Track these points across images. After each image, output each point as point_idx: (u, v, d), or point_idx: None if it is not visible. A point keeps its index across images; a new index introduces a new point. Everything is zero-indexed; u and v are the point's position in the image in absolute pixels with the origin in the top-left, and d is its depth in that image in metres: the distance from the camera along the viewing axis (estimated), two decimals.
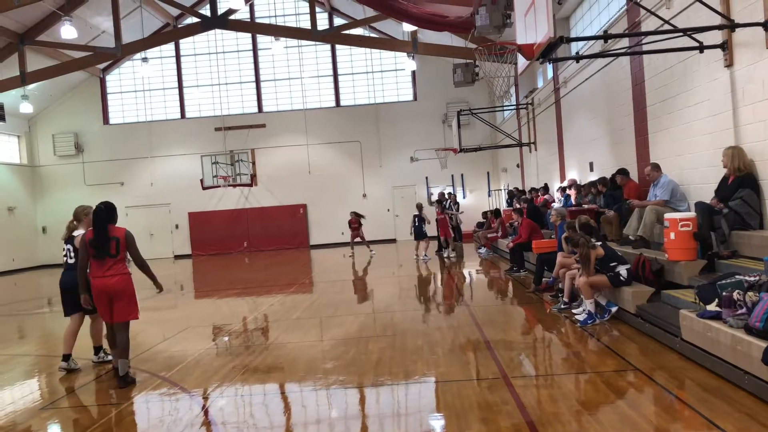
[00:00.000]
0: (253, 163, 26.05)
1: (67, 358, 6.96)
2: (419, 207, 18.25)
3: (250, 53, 27.14)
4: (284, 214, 26.72)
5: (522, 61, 8.88)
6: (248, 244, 26.81)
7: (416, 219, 17.89)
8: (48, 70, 21.78)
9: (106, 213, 6.20)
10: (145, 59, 24.63)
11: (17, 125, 25.84)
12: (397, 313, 9.67)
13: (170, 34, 24.36)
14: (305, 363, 6.84)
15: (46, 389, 6.68)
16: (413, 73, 26.61)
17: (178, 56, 26.97)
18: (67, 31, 19.82)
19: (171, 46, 26.50)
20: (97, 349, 7.36)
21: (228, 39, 26.76)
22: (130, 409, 5.67)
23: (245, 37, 26.82)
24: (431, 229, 18.93)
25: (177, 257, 26.36)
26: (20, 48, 21.25)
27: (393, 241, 26.33)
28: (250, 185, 25.63)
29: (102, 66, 26.23)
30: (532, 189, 17.82)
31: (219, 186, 25.20)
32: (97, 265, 6.17)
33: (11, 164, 26.01)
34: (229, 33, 26.50)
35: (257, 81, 27.18)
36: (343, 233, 26.41)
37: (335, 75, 27.24)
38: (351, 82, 27.32)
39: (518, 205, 15.59)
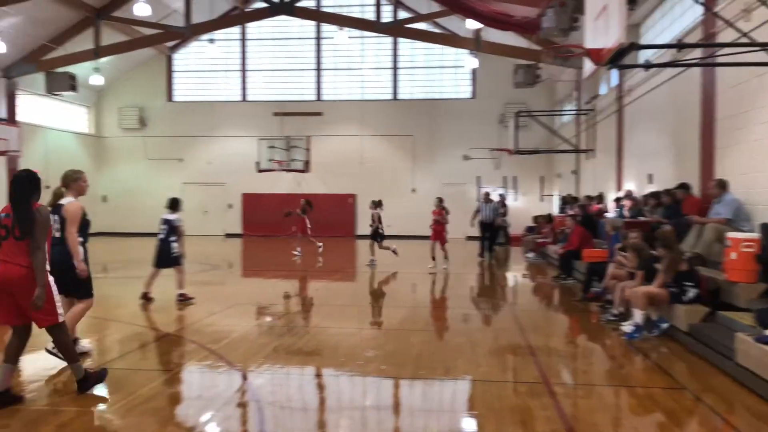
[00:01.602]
0: (308, 150, 26.37)
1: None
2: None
3: (313, 41, 27.42)
4: (334, 203, 26.93)
5: (588, 66, 8.72)
6: (296, 229, 27.17)
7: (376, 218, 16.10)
8: (120, 45, 22.49)
9: (27, 182, 4.85)
10: (212, 40, 25.17)
11: (87, 96, 26.80)
12: (440, 310, 9.68)
13: (238, 17, 24.81)
14: (346, 349, 6.93)
15: (101, 350, 6.96)
16: (473, 71, 26.41)
17: (243, 39, 27.45)
18: (141, 9, 20.46)
19: (237, 29, 26.99)
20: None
21: (292, 26, 27.08)
22: (178, 377, 5.88)
23: (309, 25, 27.09)
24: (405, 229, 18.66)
25: (228, 236, 26.94)
26: (96, 22, 22.02)
27: None
28: (304, 171, 25.93)
29: (170, 44, 26.93)
30: (587, 197, 17.48)
31: (273, 170, 25.60)
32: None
33: (79, 133, 27.04)
34: (294, 20, 26.75)
35: (318, 69, 27.44)
36: (389, 225, 26.51)
37: (394, 68, 27.26)
38: (409, 76, 27.30)
39: (573, 212, 15.33)
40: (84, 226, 6.07)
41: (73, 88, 23.09)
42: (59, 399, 5.14)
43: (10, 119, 22.38)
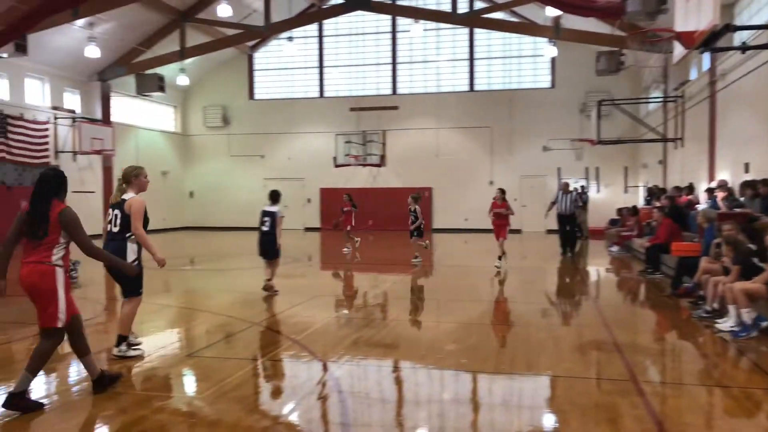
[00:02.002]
0: (384, 144, 26.54)
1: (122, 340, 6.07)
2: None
3: (389, 35, 27.50)
4: (408, 196, 26.97)
5: (678, 50, 8.31)
6: (373, 223, 27.43)
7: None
8: (204, 45, 23.38)
9: (55, 181, 4.73)
10: (290, 38, 25.72)
11: (174, 96, 28.03)
12: (520, 305, 9.50)
13: (315, 14, 25.21)
14: (426, 343, 6.94)
15: (190, 339, 7.29)
16: (552, 59, 25.71)
17: (320, 36, 27.90)
18: (223, 10, 21.19)
19: (314, 26, 27.45)
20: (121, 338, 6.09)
21: (368, 21, 27.26)
22: (263, 366, 6.06)
23: (385, 19, 27.19)
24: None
25: (307, 230, 27.53)
26: (182, 24, 22.99)
27: (518, 231, 25.80)
28: (380, 165, 26.12)
29: (251, 44, 27.73)
30: (675, 188, 16.66)
31: (350, 164, 25.93)
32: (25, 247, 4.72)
33: (167, 132, 28.37)
34: (370, 15, 26.96)
35: (393, 63, 27.51)
36: (466, 219, 26.33)
37: (471, 59, 26.93)
38: (486, 67, 26.90)
39: (660, 204, 14.66)
40: (144, 222, 6.02)
41: (161, 88, 24.21)
42: (150, 385, 5.41)
43: (105, 120, 23.73)
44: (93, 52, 20.87)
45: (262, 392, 5.35)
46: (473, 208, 26.13)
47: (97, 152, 22.53)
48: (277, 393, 5.29)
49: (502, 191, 13.83)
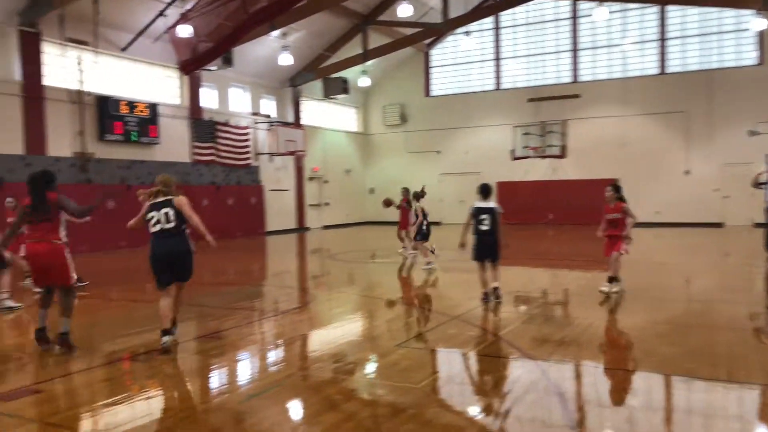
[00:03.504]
0: (564, 135, 25.58)
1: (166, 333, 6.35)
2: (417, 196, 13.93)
3: (569, 21, 26.35)
4: (592, 189, 25.64)
5: None
6: (553, 217, 26.55)
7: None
8: (384, 46, 24.19)
9: (43, 179, 6.29)
10: (467, 32, 25.72)
11: (356, 98, 29.36)
12: (740, 306, 8.59)
13: (494, 6, 24.93)
14: (638, 344, 6.53)
15: (392, 331, 7.56)
16: (760, 33, 22.91)
17: (497, 28, 27.54)
18: (404, 10, 21.77)
19: (491, 18, 27.16)
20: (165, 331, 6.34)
21: (547, 8, 26.38)
22: (473, 359, 6.10)
23: (565, 5, 26.13)
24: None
25: None
26: (363, 28, 24.00)
27: (719, 225, 23.44)
28: (560, 157, 25.22)
29: (427, 41, 28.16)
30: None
31: (528, 157, 25.36)
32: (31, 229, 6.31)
33: (350, 132, 29.84)
34: (549, 2, 26.10)
35: (574, 50, 26.33)
36: (657, 212, 24.48)
37: (662, 39, 24.91)
38: (680, 47, 24.71)
39: None
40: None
41: (345, 91, 25.53)
42: (362, 375, 5.68)
43: (296, 123, 25.53)
44: (286, 59, 22.54)
45: (476, 387, 5.38)
46: (665, 200, 24.25)
47: (291, 153, 24.32)
48: (491, 390, 5.28)
49: (616, 188, 9.49)
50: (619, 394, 5.13)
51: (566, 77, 26.50)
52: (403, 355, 6.16)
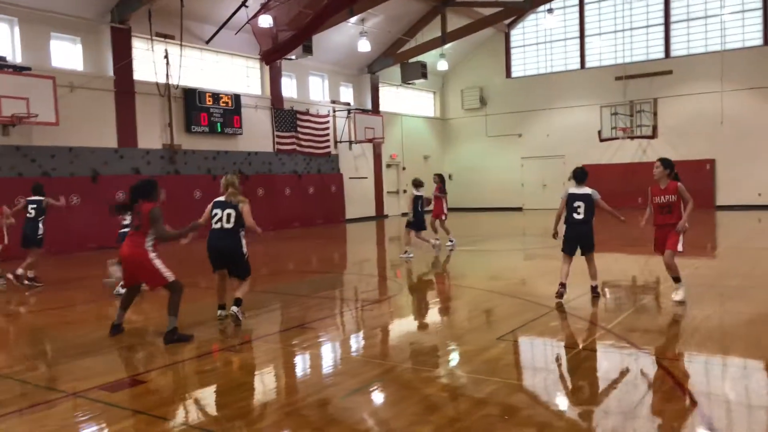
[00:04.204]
0: (655, 114, 24.21)
1: (222, 307, 7.23)
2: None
3: None
4: (686, 170, 23.87)
5: None
6: (643, 201, 25.22)
7: (419, 202, 12.99)
8: (464, 28, 23.57)
9: (138, 191, 6.43)
10: (550, 10, 24.69)
11: (433, 82, 28.88)
12: None
13: None
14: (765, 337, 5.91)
15: (492, 322, 7.21)
16: None
17: (581, 4, 26.29)
18: None
19: None
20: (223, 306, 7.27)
21: None
22: (587, 355, 5.68)
23: None
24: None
25: None
26: (442, 10, 23.46)
27: None
28: (651, 137, 23.89)
29: (507, 21, 27.28)
30: None
31: (617, 138, 24.17)
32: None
33: (427, 117, 29.42)
34: None
35: (666, 23, 24.78)
36: (760, 194, 22.87)
37: (766, 7, 23.02)
38: None
39: None
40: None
41: (424, 75, 25.12)
42: (471, 368, 5.37)
43: (374, 110, 25.37)
44: (364, 46, 22.36)
45: (592, 386, 4.97)
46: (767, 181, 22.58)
47: (370, 140, 24.20)
48: (610, 388, 4.85)
49: (667, 163, 7.37)
50: (759, 394, 4.59)
51: (657, 53, 25.02)
52: (505, 350, 5.83)
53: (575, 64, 26.80)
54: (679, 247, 7.22)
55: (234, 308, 6.88)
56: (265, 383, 5.20)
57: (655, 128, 24.15)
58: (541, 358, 5.75)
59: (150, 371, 5.45)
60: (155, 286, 6.50)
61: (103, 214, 15.95)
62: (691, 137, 24.05)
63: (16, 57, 14.88)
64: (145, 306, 8.21)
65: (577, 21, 26.51)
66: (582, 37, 26.52)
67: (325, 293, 9.48)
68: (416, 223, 12.89)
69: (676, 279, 7.41)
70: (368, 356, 5.93)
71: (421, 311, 8.20)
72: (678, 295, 7.35)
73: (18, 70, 14.26)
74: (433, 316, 7.90)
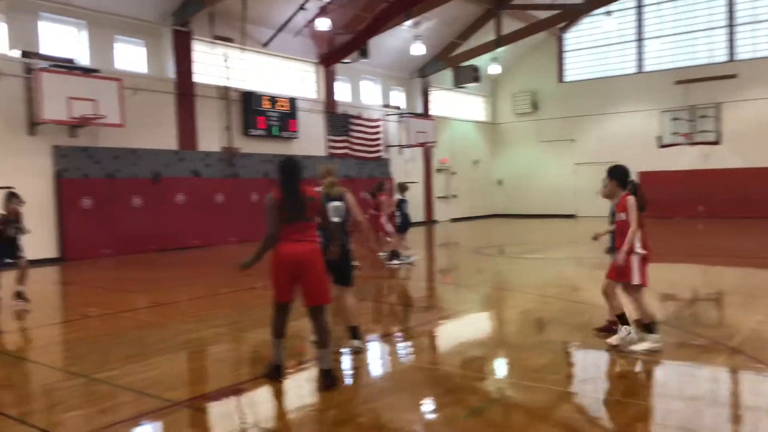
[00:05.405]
0: (718, 119, 23.35)
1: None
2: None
3: None
4: (753, 178, 23.32)
5: None
6: (704, 210, 24.38)
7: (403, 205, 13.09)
8: (518, 32, 23.13)
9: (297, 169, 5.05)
10: (608, 13, 24.09)
11: (484, 86, 28.44)
12: None
13: None
14: None
15: (577, 330, 6.82)
16: None
17: (640, 7, 25.59)
18: None
19: None
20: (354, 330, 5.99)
21: None
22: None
23: None
24: None
25: None
26: (497, 13, 23.08)
27: None
28: (714, 143, 23.05)
29: (560, 25, 26.73)
30: None
31: (678, 144, 23.39)
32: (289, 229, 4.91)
33: (477, 122, 29.00)
34: None
35: (730, 25, 23.92)
36: None
37: None
38: None
39: None
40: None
41: (476, 79, 24.76)
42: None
43: (425, 114, 25.09)
44: (418, 49, 22.10)
45: (700, 405, 4.56)
46: None
47: (421, 145, 23.92)
48: (724, 408, 4.45)
49: (614, 172, 5.94)
50: None
51: (720, 56, 24.18)
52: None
53: (632, 68, 26.09)
54: (634, 278, 5.68)
55: (356, 341, 5.88)
56: (383, 398, 4.92)
57: (718, 134, 23.31)
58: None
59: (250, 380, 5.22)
60: (320, 302, 4.99)
61: (165, 214, 16.07)
62: (758, 143, 23.16)
63: (84, 59, 15.03)
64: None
65: (635, 23, 25.82)
66: (640, 39, 25.80)
67: (405, 302, 9.19)
68: (401, 227, 12.84)
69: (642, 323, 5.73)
70: (478, 371, 5.61)
71: (512, 321, 7.83)
72: (617, 340, 5.75)
73: (86, 72, 14.39)
74: (526, 327, 7.52)
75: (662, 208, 24.86)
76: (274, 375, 5.04)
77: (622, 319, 5.77)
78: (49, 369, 5.83)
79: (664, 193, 24.84)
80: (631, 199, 5.68)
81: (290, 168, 4.99)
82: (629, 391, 4.86)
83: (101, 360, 5.92)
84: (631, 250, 5.61)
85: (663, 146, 23.66)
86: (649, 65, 25.70)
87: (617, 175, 5.86)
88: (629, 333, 5.72)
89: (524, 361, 5.64)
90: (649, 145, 24.13)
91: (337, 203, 5.92)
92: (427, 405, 4.65)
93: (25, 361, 6.26)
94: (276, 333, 5.02)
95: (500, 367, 5.76)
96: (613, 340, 5.78)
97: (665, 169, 24.90)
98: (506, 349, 6.33)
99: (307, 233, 4.94)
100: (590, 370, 5.48)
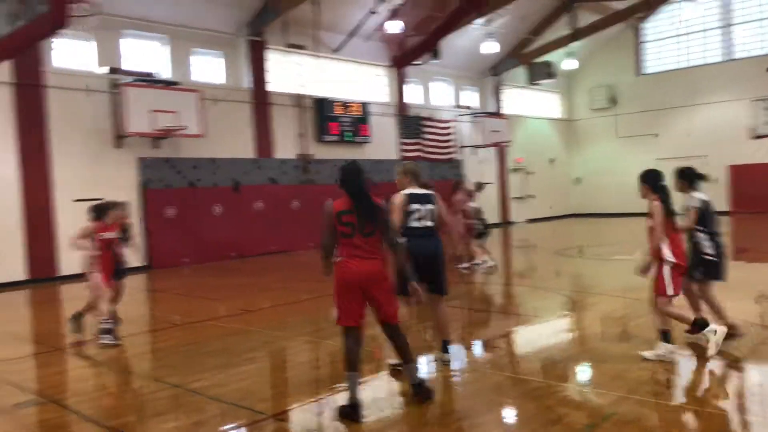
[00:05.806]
0: None
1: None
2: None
3: None
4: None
5: None
6: None
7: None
8: (594, 24, 22.32)
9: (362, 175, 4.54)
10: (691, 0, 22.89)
11: (558, 82, 27.52)
12: None
13: None
14: None
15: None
16: None
17: None
18: None
19: None
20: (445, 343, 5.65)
21: None
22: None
23: None
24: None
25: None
26: (570, 6, 22.32)
27: None
28: None
29: (639, 15, 25.59)
30: None
31: None
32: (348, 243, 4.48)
33: (552, 119, 28.16)
34: None
35: None
36: None
37: None
38: None
39: None
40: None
41: (550, 75, 24.06)
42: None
43: (498, 113, 24.58)
44: (490, 47, 21.63)
45: None
46: None
47: (495, 144, 23.44)
48: None
49: (644, 176, 5.75)
50: None
51: None
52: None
53: (716, 57, 24.67)
54: (668, 290, 5.38)
55: (447, 356, 5.59)
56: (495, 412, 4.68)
57: None
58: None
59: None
60: (392, 320, 4.60)
61: (244, 222, 16.37)
62: None
63: (164, 72, 15.51)
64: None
65: (720, 9, 24.39)
66: (727, 26, 24.36)
67: (500, 307, 8.89)
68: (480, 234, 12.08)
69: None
70: (586, 384, 5.28)
71: (617, 328, 7.40)
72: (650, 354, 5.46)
73: (167, 84, 14.84)
74: (633, 337, 7.08)
75: (757, 203, 23.37)
76: (351, 415, 4.34)
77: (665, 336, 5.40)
78: (143, 379, 5.91)
79: (759, 186, 23.37)
80: (656, 205, 5.42)
81: (356, 173, 4.51)
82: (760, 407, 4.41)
83: (192, 369, 5.95)
84: (661, 260, 5.33)
85: (758, 137, 22.26)
86: (739, 52, 24.20)
87: (647, 179, 5.63)
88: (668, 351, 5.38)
89: (626, 372, 5.25)
90: (739, 136, 22.78)
91: (429, 206, 5.53)
92: (532, 423, 4.37)
93: (122, 372, 6.37)
94: (348, 365, 4.46)
95: (601, 380, 5.39)
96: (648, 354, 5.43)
97: (760, 161, 23.40)
98: (603, 360, 5.94)
99: (375, 248, 4.49)
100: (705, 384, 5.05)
